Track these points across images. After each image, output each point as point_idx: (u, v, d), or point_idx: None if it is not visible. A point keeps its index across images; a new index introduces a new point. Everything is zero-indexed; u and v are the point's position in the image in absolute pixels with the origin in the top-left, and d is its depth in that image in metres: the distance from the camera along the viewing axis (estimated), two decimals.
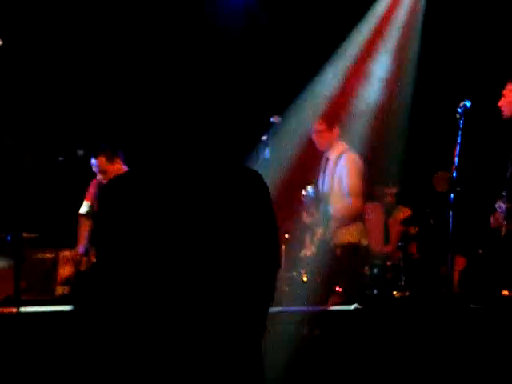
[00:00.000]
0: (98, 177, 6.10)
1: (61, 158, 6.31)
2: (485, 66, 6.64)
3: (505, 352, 4.76)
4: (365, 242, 5.95)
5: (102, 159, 6.06)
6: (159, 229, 2.54)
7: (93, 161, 6.10)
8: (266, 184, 2.69)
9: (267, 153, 5.76)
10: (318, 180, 6.02)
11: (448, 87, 6.65)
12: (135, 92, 6.96)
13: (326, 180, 5.91)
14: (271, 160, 5.90)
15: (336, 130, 5.86)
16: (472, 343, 4.88)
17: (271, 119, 5.79)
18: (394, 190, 7.09)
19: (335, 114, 5.96)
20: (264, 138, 5.77)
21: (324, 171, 5.98)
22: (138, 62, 7.10)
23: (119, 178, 2.69)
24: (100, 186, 6.11)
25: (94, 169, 6.11)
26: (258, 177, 2.70)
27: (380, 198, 7.18)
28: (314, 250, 5.82)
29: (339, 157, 5.86)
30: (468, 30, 6.90)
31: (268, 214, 2.66)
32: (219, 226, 2.56)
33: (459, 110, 5.01)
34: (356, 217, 5.88)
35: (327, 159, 5.94)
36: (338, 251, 5.76)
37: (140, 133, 2.78)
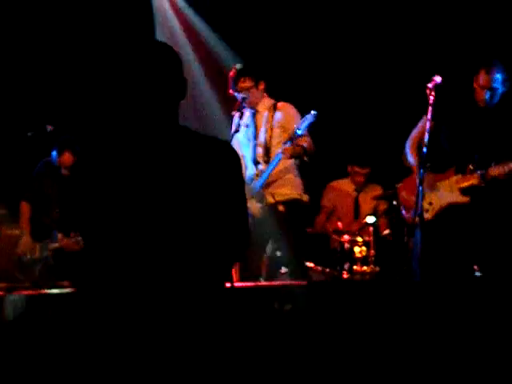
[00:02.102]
0: (62, 171, 6.16)
1: (30, 134, 6.27)
2: (455, 42, 6.65)
3: (471, 325, 4.80)
4: (305, 198, 5.91)
5: (68, 156, 6.13)
6: (132, 198, 2.57)
7: (56, 156, 6.16)
8: (236, 154, 2.72)
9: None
10: (237, 132, 5.86)
11: (418, 63, 6.65)
12: (101, 67, 7.00)
13: (261, 132, 5.85)
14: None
15: (262, 84, 5.83)
16: (440, 318, 4.91)
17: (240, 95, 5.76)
18: (365, 171, 7.10)
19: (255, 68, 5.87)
20: (235, 113, 5.75)
21: (254, 126, 5.90)
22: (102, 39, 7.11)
23: (92, 151, 2.72)
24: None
25: (56, 163, 6.14)
26: (228, 147, 2.74)
27: (351, 175, 7.19)
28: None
29: (273, 107, 5.81)
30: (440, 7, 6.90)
31: (237, 183, 2.69)
32: (189, 194, 2.58)
33: (429, 85, 5.02)
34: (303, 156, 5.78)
35: (254, 113, 5.88)
36: (281, 207, 5.76)
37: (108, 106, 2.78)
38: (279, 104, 5.82)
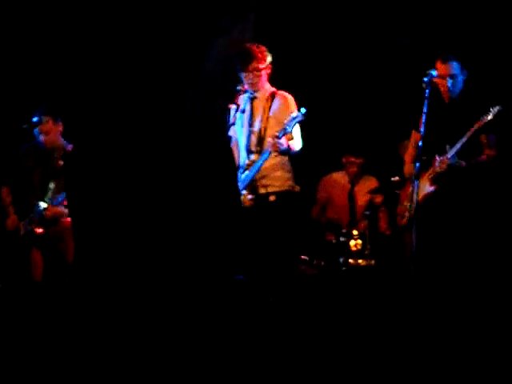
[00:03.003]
0: (41, 138, 6.12)
1: (25, 126, 6.28)
2: (452, 36, 6.65)
3: (464, 319, 4.81)
4: (297, 189, 5.83)
5: (49, 120, 6.12)
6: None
7: (37, 120, 6.14)
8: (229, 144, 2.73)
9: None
10: (234, 124, 5.84)
11: (414, 56, 6.65)
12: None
13: (257, 121, 5.80)
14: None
15: (269, 68, 5.78)
16: (435, 313, 4.92)
17: (237, 87, 5.73)
18: (360, 160, 7.11)
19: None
20: (231, 105, 5.71)
21: (250, 112, 5.85)
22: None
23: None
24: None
25: (38, 132, 6.15)
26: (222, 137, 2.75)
27: (346, 167, 7.20)
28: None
29: (272, 96, 5.76)
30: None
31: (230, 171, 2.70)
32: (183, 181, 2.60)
33: (425, 78, 5.04)
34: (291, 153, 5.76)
35: (253, 99, 5.83)
36: (272, 197, 5.71)
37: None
38: (278, 93, 5.75)
